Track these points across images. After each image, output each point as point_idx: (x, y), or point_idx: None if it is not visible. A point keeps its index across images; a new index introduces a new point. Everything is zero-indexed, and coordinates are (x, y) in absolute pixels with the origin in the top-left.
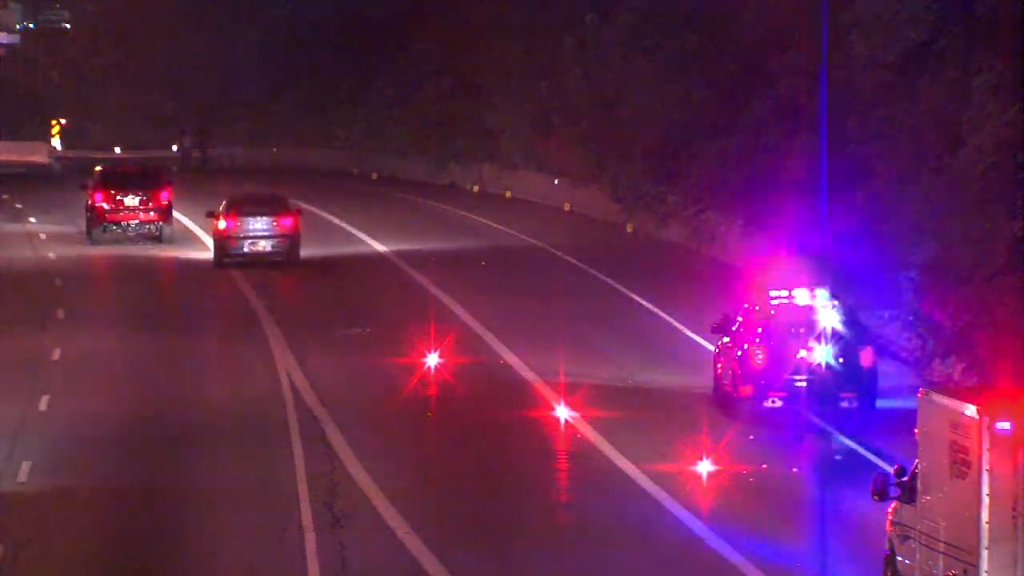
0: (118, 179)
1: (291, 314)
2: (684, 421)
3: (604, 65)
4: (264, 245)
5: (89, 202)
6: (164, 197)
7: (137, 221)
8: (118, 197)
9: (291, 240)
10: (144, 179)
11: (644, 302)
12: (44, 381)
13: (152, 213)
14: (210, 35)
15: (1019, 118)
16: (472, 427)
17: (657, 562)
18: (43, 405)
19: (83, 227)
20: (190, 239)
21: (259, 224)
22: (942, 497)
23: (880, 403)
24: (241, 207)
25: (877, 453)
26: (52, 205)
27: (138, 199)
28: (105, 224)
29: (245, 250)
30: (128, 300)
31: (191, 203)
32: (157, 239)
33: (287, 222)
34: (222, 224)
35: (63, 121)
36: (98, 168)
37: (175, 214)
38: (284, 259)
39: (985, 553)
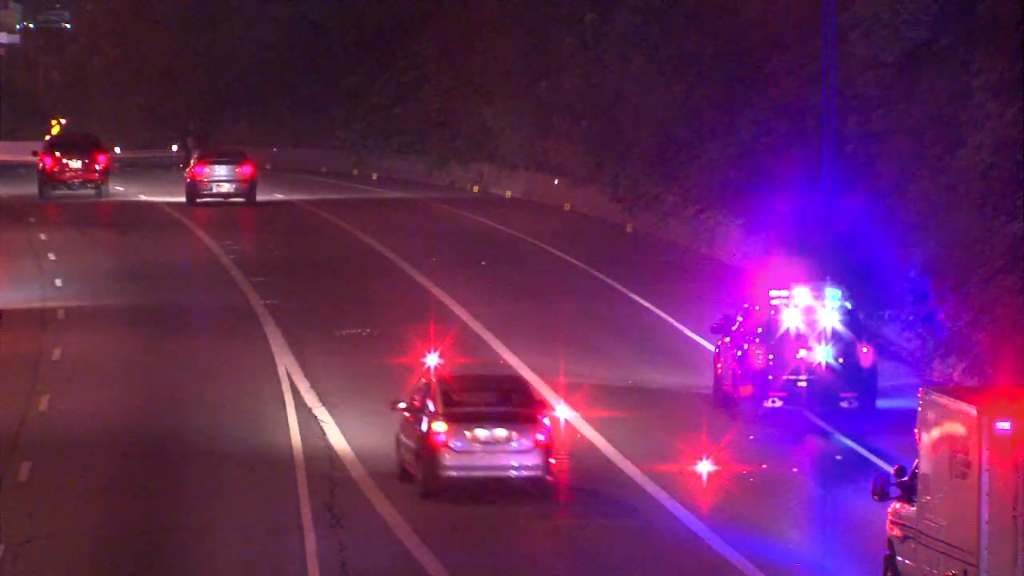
0: (64, 146)
1: (291, 312)
2: (684, 421)
3: (604, 65)
4: (228, 188)
5: (40, 165)
6: (102, 161)
7: (79, 180)
8: (64, 161)
9: (250, 184)
10: (85, 146)
11: (644, 302)
12: (44, 381)
13: (92, 174)
14: (210, 35)
15: (1019, 118)
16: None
17: (657, 562)
18: (43, 405)
19: (80, 223)
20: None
21: (223, 171)
22: (942, 497)
23: (880, 403)
24: (209, 157)
25: (877, 453)
26: (51, 204)
27: (80, 163)
28: (54, 183)
29: (213, 191)
30: (128, 300)
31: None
32: (96, 195)
33: (246, 169)
34: (195, 171)
35: (63, 121)
36: (47, 137)
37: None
38: (244, 199)
39: (985, 553)
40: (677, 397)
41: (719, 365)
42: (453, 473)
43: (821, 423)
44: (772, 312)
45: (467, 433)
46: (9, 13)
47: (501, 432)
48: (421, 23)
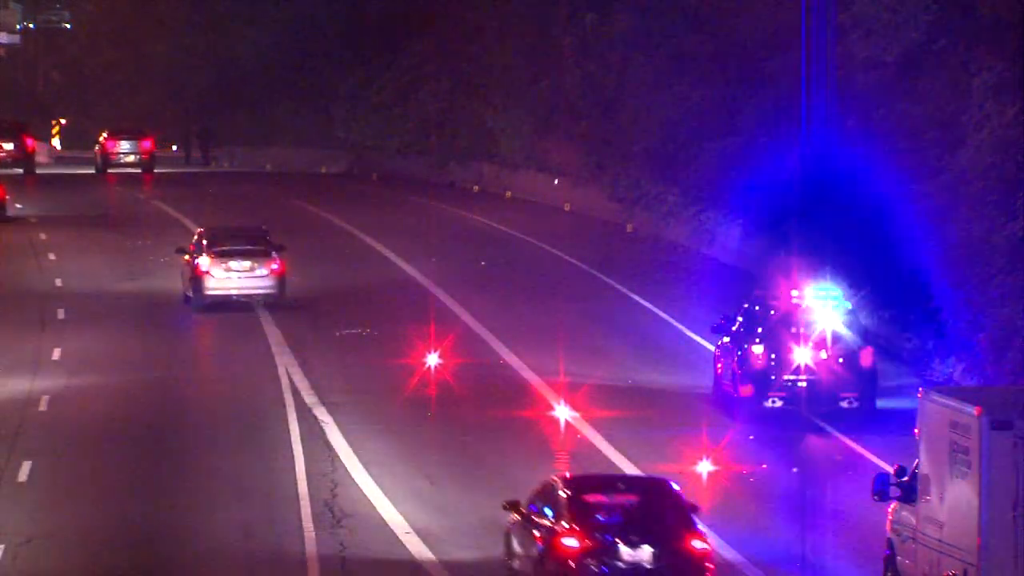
0: None
1: (291, 311)
2: (684, 421)
3: (604, 65)
4: (132, 159)
5: None
6: (30, 144)
7: (11, 159)
8: None
9: (150, 156)
10: (16, 131)
11: (644, 302)
12: (44, 381)
13: (21, 155)
14: (210, 35)
15: (1019, 118)
16: (472, 427)
17: None
18: (43, 405)
19: (81, 225)
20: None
21: (127, 146)
22: (942, 497)
23: (880, 403)
24: (116, 135)
25: (877, 453)
26: (53, 205)
27: (12, 145)
28: None
29: (121, 161)
30: (128, 299)
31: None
32: (25, 172)
33: (147, 145)
34: (106, 145)
35: (63, 121)
36: None
37: None
38: (144, 169)
39: (985, 553)
40: (677, 397)
41: (719, 365)
42: (213, 292)
43: (821, 423)
44: (772, 312)
45: (223, 264)
46: (9, 13)
47: (246, 263)
48: (421, 23)
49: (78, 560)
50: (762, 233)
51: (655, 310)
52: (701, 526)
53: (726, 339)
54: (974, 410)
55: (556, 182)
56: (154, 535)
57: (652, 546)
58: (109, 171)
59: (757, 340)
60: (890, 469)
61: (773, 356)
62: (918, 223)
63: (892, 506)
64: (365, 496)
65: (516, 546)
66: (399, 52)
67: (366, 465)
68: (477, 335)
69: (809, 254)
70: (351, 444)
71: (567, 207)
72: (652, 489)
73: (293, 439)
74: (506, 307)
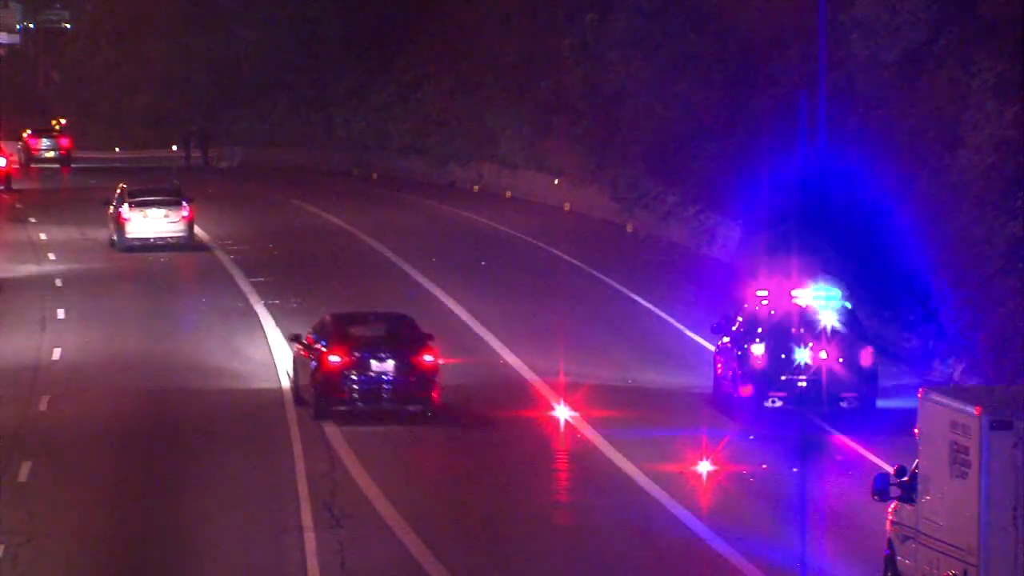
0: None
1: (291, 312)
2: (684, 421)
3: (604, 65)
4: (52, 155)
5: None
6: None
7: None
8: None
9: (68, 152)
10: None
11: (644, 302)
12: (44, 381)
13: None
14: (210, 35)
15: (1019, 118)
16: (472, 427)
17: (657, 562)
18: (43, 405)
19: (82, 226)
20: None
21: (48, 143)
22: (942, 497)
23: (880, 403)
24: (37, 133)
25: (877, 453)
26: (52, 205)
27: None
28: None
29: (42, 156)
30: (128, 299)
31: None
32: None
33: (64, 142)
34: (29, 142)
35: (63, 121)
36: None
37: None
38: (61, 163)
39: (985, 553)
40: (677, 397)
41: (719, 365)
42: (133, 236)
43: (821, 423)
44: (771, 312)
45: (140, 213)
46: (9, 13)
47: (160, 211)
48: (421, 23)
49: (78, 560)
50: (762, 233)
51: (655, 310)
52: (432, 348)
53: (726, 339)
54: (974, 410)
55: (556, 182)
56: (154, 535)
57: (395, 360)
58: (31, 165)
59: (757, 340)
60: (890, 469)
61: (773, 356)
62: (918, 223)
63: (892, 506)
64: (365, 496)
65: (300, 368)
66: (399, 52)
67: (366, 465)
68: (477, 335)
69: (809, 254)
70: (351, 444)
71: (567, 207)
72: (397, 322)
73: (293, 439)
74: (506, 307)
